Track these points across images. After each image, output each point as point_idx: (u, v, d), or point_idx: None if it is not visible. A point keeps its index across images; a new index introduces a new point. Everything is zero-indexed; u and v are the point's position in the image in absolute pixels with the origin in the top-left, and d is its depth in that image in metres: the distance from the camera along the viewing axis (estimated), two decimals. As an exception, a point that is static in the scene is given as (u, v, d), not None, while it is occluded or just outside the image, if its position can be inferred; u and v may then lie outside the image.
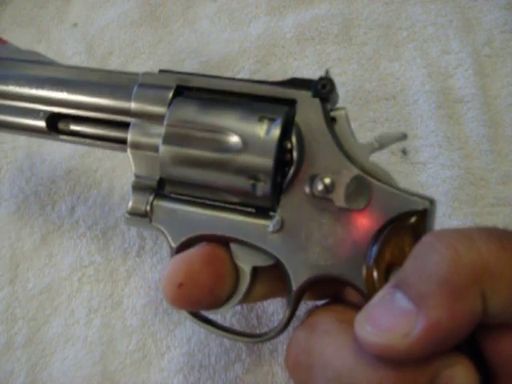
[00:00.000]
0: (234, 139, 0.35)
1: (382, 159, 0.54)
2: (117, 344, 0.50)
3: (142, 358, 0.49)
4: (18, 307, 0.52)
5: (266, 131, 0.35)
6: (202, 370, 0.48)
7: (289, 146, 0.36)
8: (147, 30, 0.64)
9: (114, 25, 0.65)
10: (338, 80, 0.58)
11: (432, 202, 0.35)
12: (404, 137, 0.38)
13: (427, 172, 0.53)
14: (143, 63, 0.63)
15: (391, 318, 0.28)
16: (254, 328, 0.49)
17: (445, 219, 0.51)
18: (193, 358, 0.48)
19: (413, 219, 0.34)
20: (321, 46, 0.60)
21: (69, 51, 0.64)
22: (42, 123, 0.42)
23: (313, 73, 0.59)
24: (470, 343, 0.30)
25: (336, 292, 0.38)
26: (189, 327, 0.50)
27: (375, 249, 0.34)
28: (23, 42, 0.66)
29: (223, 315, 0.49)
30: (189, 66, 0.61)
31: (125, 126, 0.40)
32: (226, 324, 0.49)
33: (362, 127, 0.56)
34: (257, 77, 0.59)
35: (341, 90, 0.57)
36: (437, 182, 0.52)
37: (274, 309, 0.48)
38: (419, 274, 0.28)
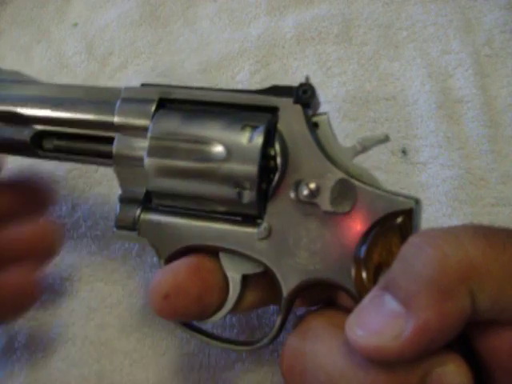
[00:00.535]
0: (218, 148, 0.36)
1: (382, 159, 0.54)
2: (116, 344, 0.50)
3: (142, 358, 0.49)
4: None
5: (249, 139, 0.35)
6: (202, 370, 0.48)
7: (272, 152, 0.36)
8: (147, 30, 0.64)
9: (114, 25, 0.65)
10: (338, 80, 0.58)
11: (417, 201, 0.35)
12: (386, 139, 0.39)
13: (427, 172, 0.53)
14: (143, 63, 0.63)
15: (381, 320, 0.28)
16: (254, 328, 0.49)
17: (445, 219, 0.51)
18: (193, 358, 0.48)
19: (399, 219, 0.34)
20: (321, 46, 0.60)
21: (69, 51, 0.64)
22: (26, 141, 0.42)
23: (313, 73, 0.59)
24: (462, 341, 0.30)
25: (329, 297, 0.38)
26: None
27: (363, 251, 0.34)
28: (23, 41, 0.66)
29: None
30: (189, 65, 0.61)
31: (109, 140, 0.40)
32: (227, 324, 0.49)
33: (361, 127, 0.56)
34: (257, 77, 0.59)
35: (341, 90, 0.58)
36: (437, 182, 0.53)
37: (275, 308, 0.48)
38: (407, 276, 0.29)
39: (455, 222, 0.51)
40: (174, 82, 0.61)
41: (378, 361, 0.29)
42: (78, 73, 0.63)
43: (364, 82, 0.58)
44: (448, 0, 0.60)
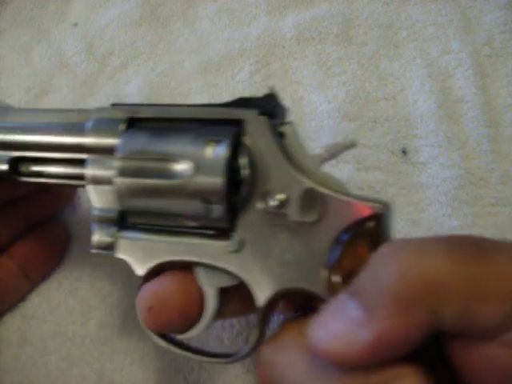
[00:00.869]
0: (185, 165, 0.36)
1: (382, 159, 0.54)
2: (117, 343, 0.50)
3: (142, 358, 0.49)
4: (18, 306, 0.52)
5: (214, 153, 0.35)
6: (202, 370, 0.48)
7: (239, 165, 0.36)
8: (147, 30, 0.64)
9: (114, 25, 0.65)
10: (337, 80, 0.58)
11: (387, 205, 0.35)
12: (353, 145, 0.39)
13: (427, 172, 0.53)
14: (143, 63, 0.63)
15: (342, 325, 0.29)
16: (254, 327, 0.49)
17: (445, 219, 0.51)
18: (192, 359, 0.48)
19: (368, 224, 0.34)
20: (321, 46, 0.60)
21: (69, 51, 0.64)
22: (4, 168, 0.43)
23: (313, 73, 0.59)
24: (436, 355, 0.30)
25: (309, 303, 0.38)
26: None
27: (334, 258, 0.34)
28: (23, 41, 0.66)
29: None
30: (189, 65, 0.61)
31: (82, 162, 0.40)
32: (227, 324, 0.49)
33: (362, 127, 0.56)
34: (257, 77, 0.59)
35: (341, 90, 0.58)
36: (437, 182, 0.53)
37: (274, 309, 0.48)
38: (372, 285, 0.29)
39: (455, 222, 0.51)
40: (173, 82, 0.62)
41: (338, 365, 0.29)
42: (78, 73, 0.63)
43: (364, 82, 0.58)
44: (448, 0, 0.60)
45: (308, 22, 0.61)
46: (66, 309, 0.52)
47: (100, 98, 0.61)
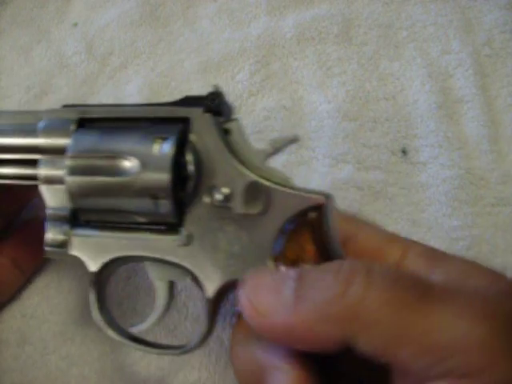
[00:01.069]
0: (132, 162, 0.37)
1: (382, 159, 0.54)
2: (116, 343, 0.50)
3: (142, 358, 0.49)
4: (18, 305, 0.52)
5: (161, 150, 0.37)
6: (203, 370, 0.48)
7: (185, 161, 0.37)
8: (147, 30, 0.64)
9: (114, 25, 0.65)
10: (337, 80, 0.58)
11: (328, 196, 0.36)
12: (296, 139, 0.41)
13: (427, 172, 0.53)
14: (143, 63, 0.63)
15: (272, 296, 0.31)
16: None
17: (445, 219, 0.51)
18: (193, 358, 0.48)
19: (311, 215, 0.36)
20: (321, 46, 0.60)
21: (69, 51, 0.64)
22: None
23: (313, 73, 0.59)
24: (331, 364, 0.33)
25: None
26: (189, 327, 0.50)
27: (278, 248, 0.36)
28: (23, 41, 0.66)
29: (222, 313, 0.49)
30: (189, 65, 0.61)
31: (35, 163, 0.41)
32: (226, 323, 0.49)
33: (362, 127, 0.56)
34: (257, 77, 0.59)
35: (341, 90, 0.58)
36: (437, 182, 0.53)
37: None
38: (316, 282, 0.30)
39: (455, 222, 0.51)
40: (173, 82, 0.62)
41: (249, 324, 0.32)
42: (78, 73, 0.63)
43: (364, 82, 0.58)
44: (448, 0, 0.60)
45: (308, 22, 0.61)
46: (66, 308, 0.52)
47: (100, 98, 0.61)
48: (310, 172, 0.54)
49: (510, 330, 0.28)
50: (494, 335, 0.27)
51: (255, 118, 0.57)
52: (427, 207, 0.52)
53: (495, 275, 0.33)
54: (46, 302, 0.52)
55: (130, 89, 0.61)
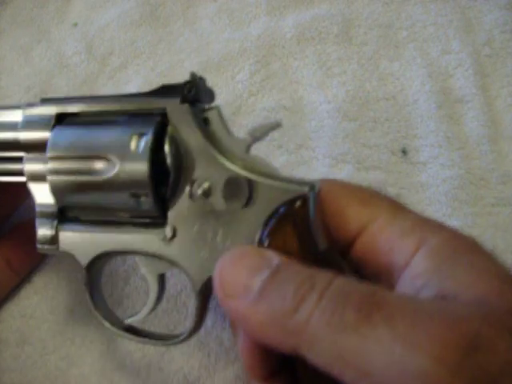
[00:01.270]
0: (111, 160, 0.37)
1: (382, 159, 0.54)
2: (116, 343, 0.50)
3: (142, 358, 0.49)
4: (17, 305, 0.52)
5: (138, 146, 0.36)
6: (202, 370, 0.48)
7: (165, 155, 0.37)
8: (147, 30, 0.64)
9: (114, 25, 0.65)
10: (337, 80, 0.58)
11: (311, 186, 0.35)
12: (278, 125, 0.39)
13: (427, 172, 0.53)
14: (143, 63, 0.63)
15: (245, 274, 0.31)
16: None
17: (445, 219, 0.51)
18: (192, 358, 0.48)
19: (295, 205, 0.35)
20: (321, 46, 0.60)
21: (69, 51, 0.64)
22: None
23: (313, 73, 0.59)
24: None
25: None
26: (188, 327, 0.50)
27: (264, 240, 0.35)
28: (23, 41, 0.66)
29: (222, 313, 0.49)
30: (189, 65, 0.61)
31: (20, 159, 0.41)
32: (226, 323, 0.49)
33: (361, 127, 0.56)
34: (257, 77, 0.59)
35: (341, 90, 0.58)
36: (437, 182, 0.52)
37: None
38: (282, 284, 0.30)
39: (455, 222, 0.51)
40: (173, 82, 0.62)
41: (218, 295, 0.32)
42: (78, 73, 0.63)
43: (364, 82, 0.58)
44: (448, 0, 0.60)
45: (308, 22, 0.61)
46: (65, 308, 0.52)
47: (100, 98, 0.61)
48: (309, 172, 0.54)
49: (473, 366, 0.24)
50: (440, 371, 0.24)
51: (255, 118, 0.57)
52: (427, 207, 0.52)
53: (504, 288, 0.29)
54: (45, 302, 0.52)
55: (130, 89, 0.61)
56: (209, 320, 0.49)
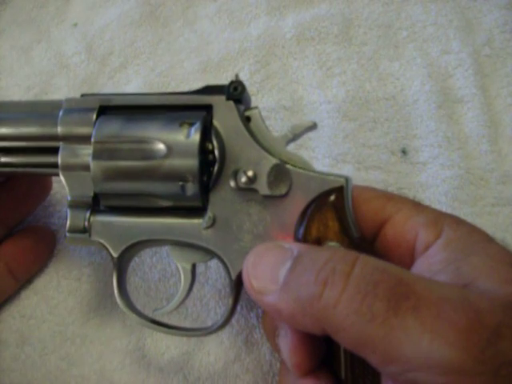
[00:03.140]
0: (159, 146, 0.38)
1: (382, 159, 0.54)
2: (116, 343, 0.50)
3: (142, 358, 0.49)
4: (17, 306, 0.52)
5: (187, 135, 0.38)
6: (202, 370, 0.48)
7: (210, 146, 0.39)
8: (147, 30, 0.64)
9: (114, 25, 0.65)
10: (337, 80, 0.58)
11: (347, 179, 0.38)
12: (314, 125, 0.41)
13: (427, 172, 0.53)
14: (143, 63, 0.63)
15: (268, 271, 0.33)
16: (253, 327, 0.49)
17: (445, 219, 0.51)
18: (192, 358, 0.48)
19: (332, 196, 0.37)
20: (321, 46, 0.60)
21: (69, 51, 0.64)
22: None
23: (313, 73, 0.59)
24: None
25: None
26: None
27: (302, 228, 0.37)
28: (23, 42, 0.66)
29: (222, 313, 0.49)
30: (189, 65, 0.61)
31: (55, 150, 0.42)
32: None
33: (362, 127, 0.56)
34: (257, 76, 0.59)
35: (341, 90, 0.58)
36: (437, 182, 0.52)
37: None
38: (305, 270, 0.31)
39: (455, 221, 0.51)
40: (173, 82, 0.62)
41: (246, 286, 0.34)
42: (78, 73, 0.63)
43: (364, 82, 0.58)
44: (448, 0, 0.60)
45: (308, 22, 0.61)
46: (65, 309, 0.51)
47: (100, 98, 0.61)
48: (309, 172, 0.54)
49: (493, 351, 0.26)
50: (465, 360, 0.26)
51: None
52: (427, 207, 0.52)
53: None
54: (45, 303, 0.52)
55: (130, 89, 0.61)
56: (209, 320, 0.49)
